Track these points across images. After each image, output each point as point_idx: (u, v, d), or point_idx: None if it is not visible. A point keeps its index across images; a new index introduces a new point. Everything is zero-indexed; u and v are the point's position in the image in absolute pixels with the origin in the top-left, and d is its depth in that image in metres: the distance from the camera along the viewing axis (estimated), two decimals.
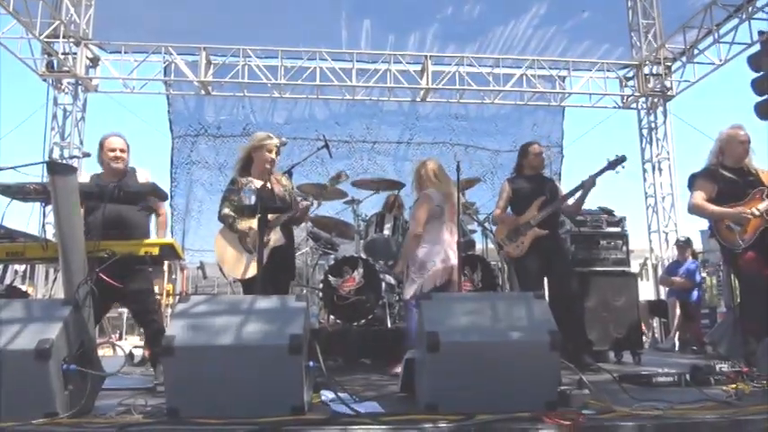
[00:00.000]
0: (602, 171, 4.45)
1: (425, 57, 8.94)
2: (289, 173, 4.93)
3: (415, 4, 8.76)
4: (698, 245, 9.04)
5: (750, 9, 7.47)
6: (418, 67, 9.04)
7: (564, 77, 9.40)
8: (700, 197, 3.94)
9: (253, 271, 3.82)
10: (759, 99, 7.33)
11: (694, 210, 4.04)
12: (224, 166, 9.24)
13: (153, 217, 4.02)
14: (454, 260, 4.06)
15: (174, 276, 8.55)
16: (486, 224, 5.90)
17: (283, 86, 8.93)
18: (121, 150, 3.84)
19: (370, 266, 5.23)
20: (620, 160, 4.43)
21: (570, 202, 4.56)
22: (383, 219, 5.58)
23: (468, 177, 6.44)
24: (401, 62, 8.98)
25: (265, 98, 9.27)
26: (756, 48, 7.46)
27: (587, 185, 4.45)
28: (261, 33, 8.69)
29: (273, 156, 4.03)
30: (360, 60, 8.95)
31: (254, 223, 3.84)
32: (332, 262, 5.41)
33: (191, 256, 8.97)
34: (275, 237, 3.84)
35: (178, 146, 9.24)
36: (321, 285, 5.28)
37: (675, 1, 8.67)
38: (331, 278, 5.19)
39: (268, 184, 3.91)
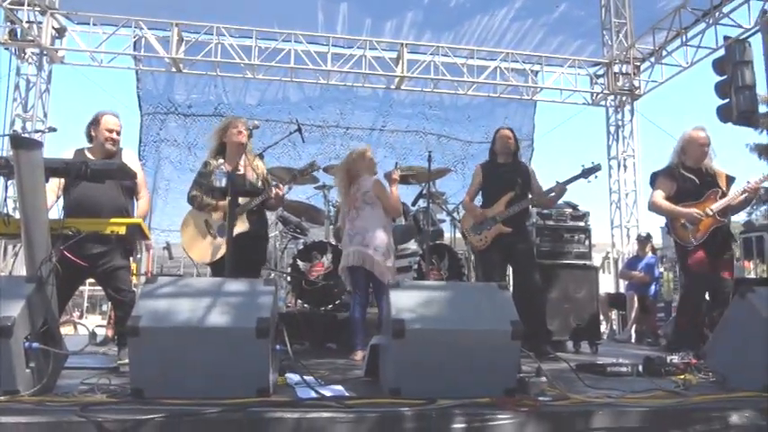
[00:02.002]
0: (574, 178, 4.53)
1: (401, 45, 8.95)
2: (260, 155, 4.92)
3: None
4: (657, 240, 9.37)
5: (717, 14, 7.71)
6: (394, 55, 9.04)
7: (536, 72, 9.54)
8: (659, 195, 4.10)
9: (220, 253, 3.83)
10: (721, 102, 7.65)
11: (653, 207, 4.21)
12: (193, 145, 9.11)
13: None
14: (353, 246, 4.21)
15: (138, 256, 8.40)
16: (455, 214, 5.98)
17: (257, 67, 8.82)
18: (118, 132, 3.76)
19: (339, 252, 5.24)
20: (594, 169, 4.50)
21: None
22: None
23: (438, 167, 6.50)
24: (377, 49, 8.98)
25: (238, 78, 9.14)
26: (721, 53, 7.74)
27: (558, 192, 4.53)
28: (235, 12, 8.55)
29: (242, 129, 4.00)
30: (335, 45, 8.91)
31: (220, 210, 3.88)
32: (301, 246, 5.40)
33: (157, 236, 8.84)
34: (240, 224, 3.83)
35: (147, 123, 9.06)
36: (289, 269, 5.28)
37: (647, 2, 8.86)
38: (300, 263, 5.19)
39: (240, 170, 3.93)
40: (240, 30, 8.73)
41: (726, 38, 7.83)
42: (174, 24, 8.44)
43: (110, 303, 4.71)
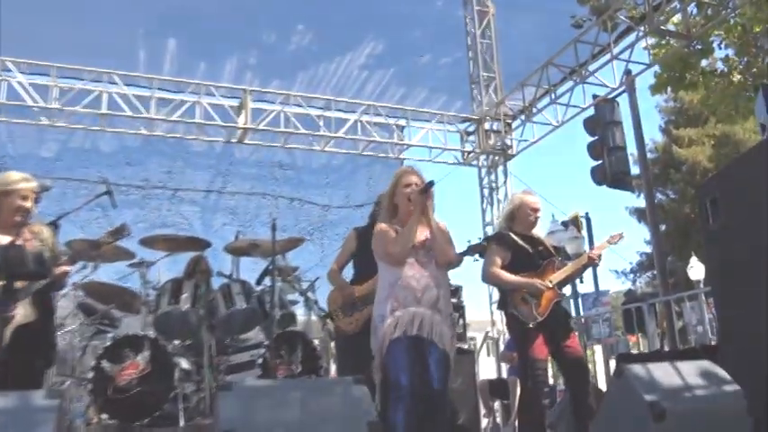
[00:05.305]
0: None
1: (244, 91, 9.06)
2: (55, 224, 4.59)
3: (232, 26, 8.90)
4: None
5: (583, 72, 8.82)
6: (235, 103, 9.10)
7: (402, 127, 10.12)
8: (496, 264, 4.26)
9: None
10: (594, 163, 8.65)
11: (491, 278, 4.34)
12: None
13: None
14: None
15: None
16: (310, 294, 5.94)
17: (55, 112, 8.39)
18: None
19: (160, 348, 4.96)
20: (483, 247, 4.63)
21: None
22: (180, 286, 5.37)
23: (290, 236, 6.49)
24: (214, 95, 9.00)
25: (29, 125, 8.57)
26: (591, 112, 8.83)
27: None
28: (27, 43, 8.12)
29: (29, 204, 3.75)
30: (162, 88, 8.82)
31: None
32: (108, 343, 5.02)
33: None
34: (23, 311, 3.53)
35: None
36: (91, 374, 4.86)
37: (513, 57, 9.92)
38: (105, 364, 4.81)
39: (19, 241, 3.64)
40: (34, 65, 8.31)
41: (594, 97, 8.98)
42: None
43: None
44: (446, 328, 3.31)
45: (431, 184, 3.45)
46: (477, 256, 4.66)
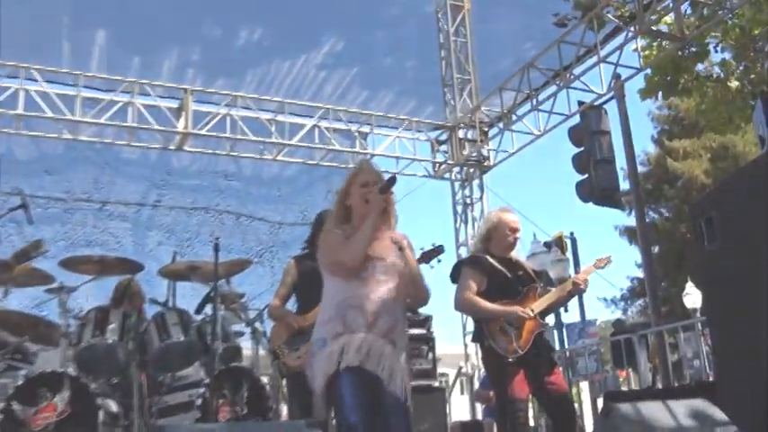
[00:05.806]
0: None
1: (185, 91, 9.05)
2: None
3: (171, 16, 8.89)
4: None
5: (568, 76, 8.99)
6: (174, 104, 9.09)
7: (365, 135, 10.18)
8: (470, 290, 4.28)
9: None
10: (580, 178, 8.80)
11: (465, 305, 4.38)
12: None
13: None
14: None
15: None
16: (258, 324, 5.93)
17: None
18: None
19: (83, 387, 4.86)
20: (436, 252, 4.72)
21: None
22: (107, 316, 5.30)
23: (236, 258, 6.47)
24: (149, 94, 8.97)
25: None
26: (576, 120, 9.00)
27: None
28: None
29: None
30: (89, 87, 8.77)
31: None
32: (20, 381, 4.92)
33: None
34: None
35: None
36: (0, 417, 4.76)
37: (491, 58, 10.09)
38: (16, 406, 4.70)
39: None
40: None
41: (580, 103, 9.15)
42: None
43: None
44: (399, 363, 3.05)
45: (392, 180, 3.24)
46: (432, 263, 4.69)
